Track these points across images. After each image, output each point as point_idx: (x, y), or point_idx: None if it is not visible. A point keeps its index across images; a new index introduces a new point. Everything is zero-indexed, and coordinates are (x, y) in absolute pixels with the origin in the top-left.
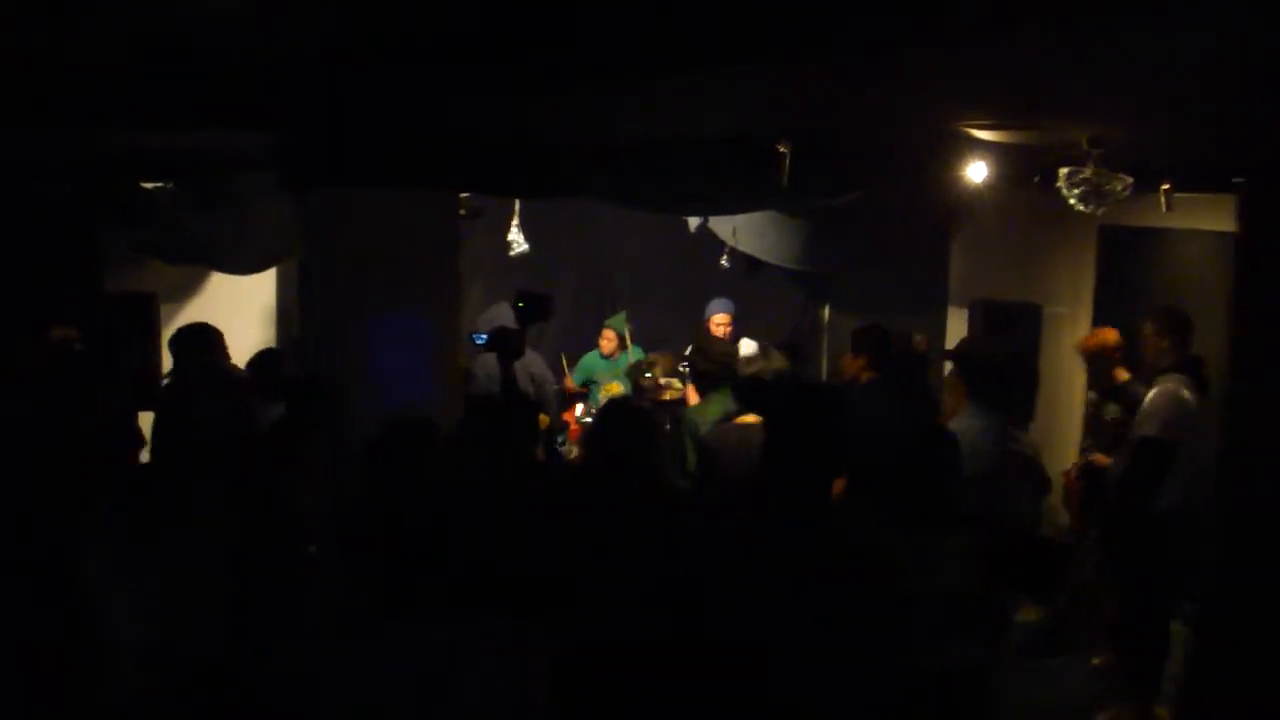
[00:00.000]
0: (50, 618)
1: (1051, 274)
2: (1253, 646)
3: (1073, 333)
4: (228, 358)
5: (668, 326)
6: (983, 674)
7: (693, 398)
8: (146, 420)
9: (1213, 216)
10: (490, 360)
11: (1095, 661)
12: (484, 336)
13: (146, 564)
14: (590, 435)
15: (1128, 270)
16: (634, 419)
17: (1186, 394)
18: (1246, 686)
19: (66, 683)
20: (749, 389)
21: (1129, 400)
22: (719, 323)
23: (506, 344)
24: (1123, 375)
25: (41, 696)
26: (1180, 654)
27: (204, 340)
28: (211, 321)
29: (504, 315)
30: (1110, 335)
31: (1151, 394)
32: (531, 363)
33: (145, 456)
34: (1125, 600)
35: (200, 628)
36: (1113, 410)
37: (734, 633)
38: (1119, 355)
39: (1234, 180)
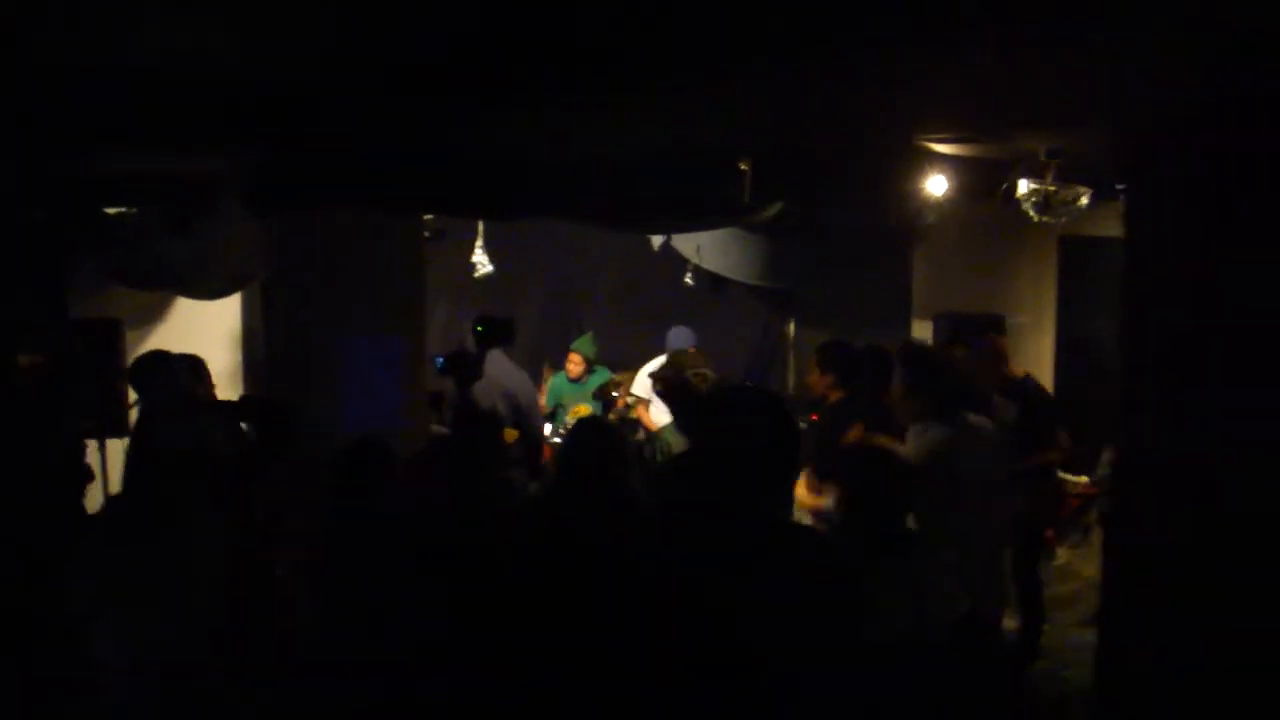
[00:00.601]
0: (34, 640)
1: (1014, 284)
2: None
3: (1037, 341)
4: (199, 382)
5: (632, 346)
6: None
7: (648, 419)
8: (114, 446)
9: None
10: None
11: None
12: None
13: (127, 584)
14: (561, 453)
15: (1089, 279)
16: (604, 436)
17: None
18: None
19: (55, 702)
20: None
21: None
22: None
23: (462, 368)
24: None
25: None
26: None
27: (164, 365)
28: (178, 346)
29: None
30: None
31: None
32: (509, 380)
33: (99, 487)
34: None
35: (179, 646)
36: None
37: (704, 647)
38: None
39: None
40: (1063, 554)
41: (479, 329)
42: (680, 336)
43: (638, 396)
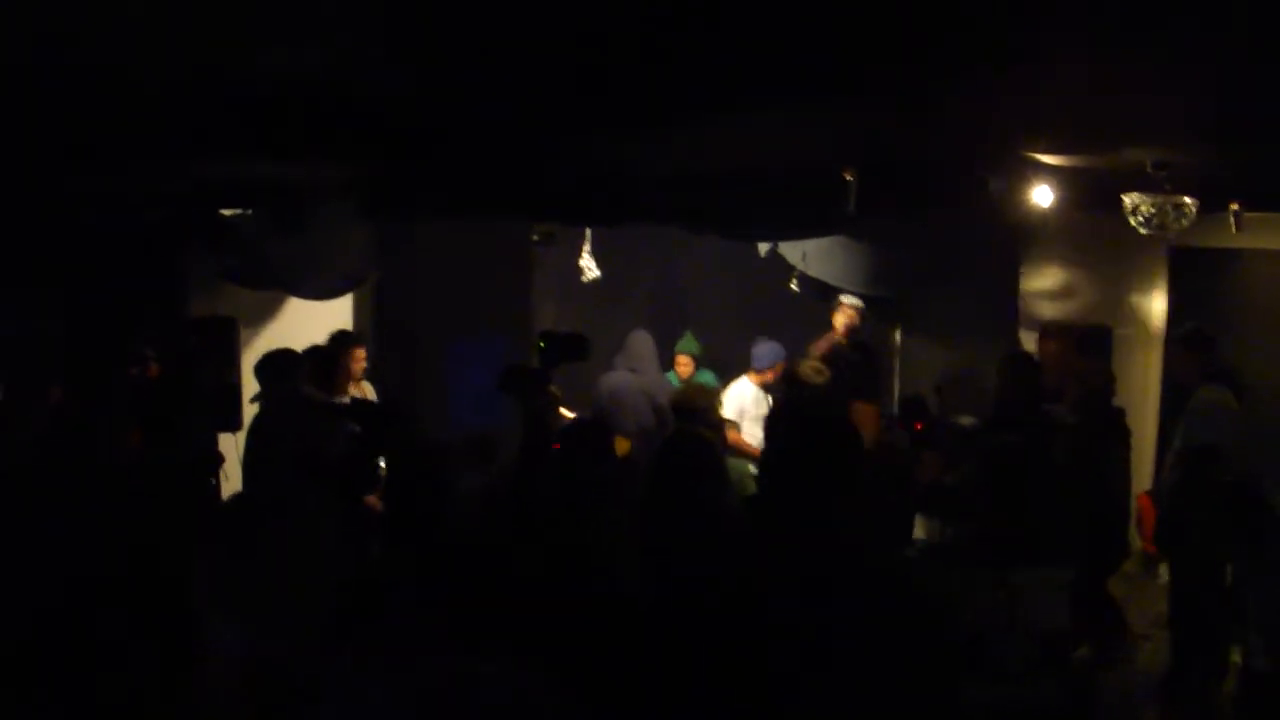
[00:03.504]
0: (157, 633)
1: (1122, 296)
2: None
3: (1145, 354)
4: (322, 379)
5: (738, 351)
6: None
7: (739, 440)
8: (227, 441)
9: None
10: (616, 377)
11: None
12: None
13: (245, 581)
14: (653, 469)
15: (1199, 291)
16: (696, 451)
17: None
18: None
19: (175, 695)
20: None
21: None
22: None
23: (519, 383)
24: None
25: (150, 708)
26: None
27: (290, 366)
28: (290, 345)
29: (639, 342)
30: None
31: (1190, 405)
32: (653, 385)
33: (225, 474)
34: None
35: (294, 641)
36: None
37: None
38: None
39: None
40: None
41: (542, 345)
42: (767, 351)
43: (728, 419)
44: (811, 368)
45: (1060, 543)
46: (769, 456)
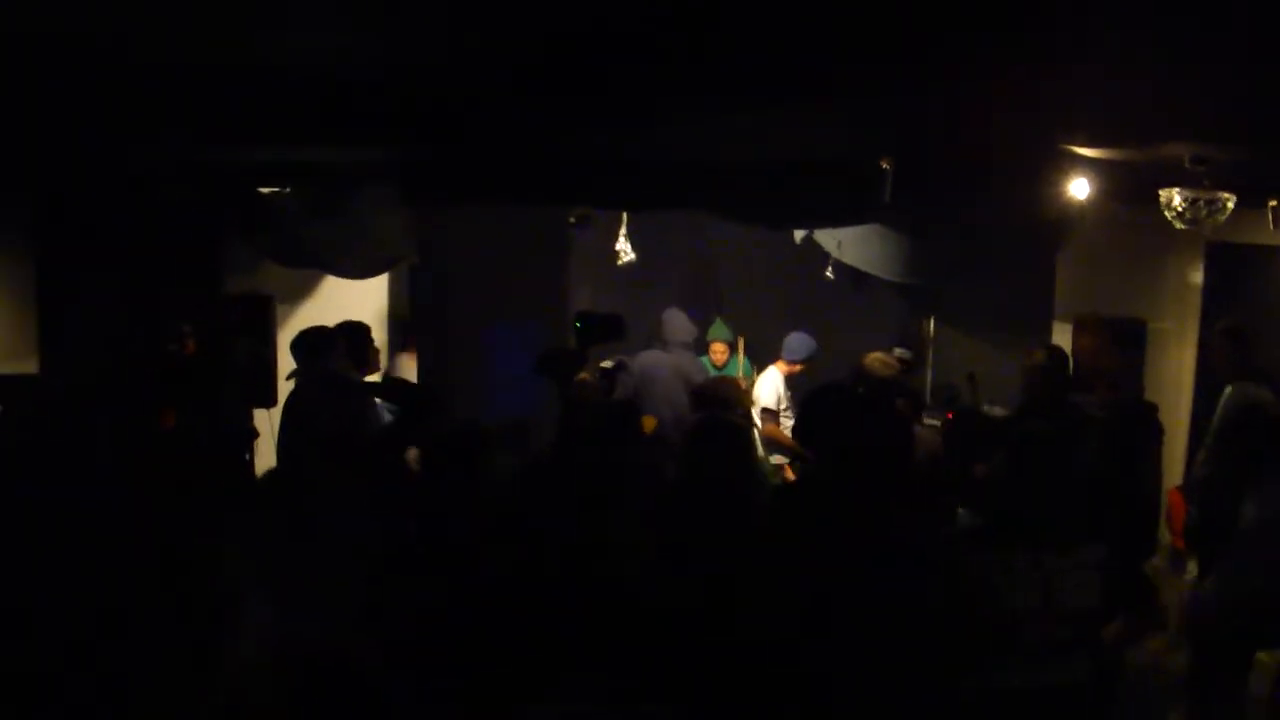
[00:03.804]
0: (192, 610)
1: (1158, 290)
2: None
3: (1179, 349)
4: (356, 358)
5: (771, 338)
6: (1083, 692)
7: (774, 430)
8: (261, 416)
9: None
10: (647, 356)
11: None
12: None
13: (281, 560)
14: (683, 455)
15: (1236, 286)
16: (726, 438)
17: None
18: None
19: (209, 673)
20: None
21: None
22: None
23: (555, 366)
24: None
25: (185, 686)
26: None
27: (325, 343)
28: (324, 323)
29: (675, 319)
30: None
31: (1223, 400)
32: (690, 368)
33: (260, 450)
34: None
35: (330, 622)
36: None
37: (815, 648)
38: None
39: None
40: None
41: (578, 325)
42: (799, 343)
43: (767, 409)
44: (880, 360)
45: (1090, 525)
46: (825, 444)
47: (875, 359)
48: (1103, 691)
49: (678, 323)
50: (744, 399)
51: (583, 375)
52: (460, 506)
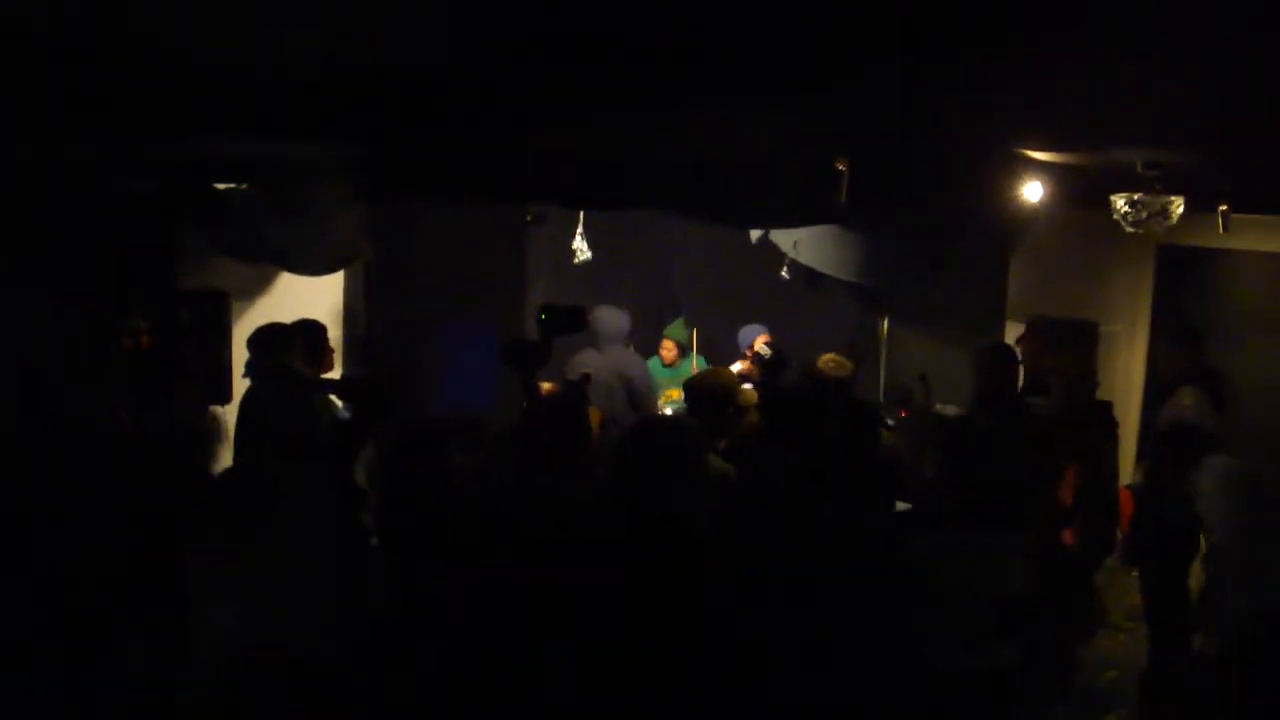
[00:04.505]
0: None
1: (1109, 292)
2: None
3: (1129, 351)
4: (311, 356)
5: (727, 337)
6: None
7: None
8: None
9: (1271, 238)
10: (583, 356)
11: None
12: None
13: (238, 559)
14: (616, 455)
15: (1184, 290)
16: (658, 441)
17: (1198, 403)
18: None
19: (169, 673)
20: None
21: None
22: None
23: (519, 357)
24: None
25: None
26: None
27: (282, 340)
28: (282, 320)
29: (607, 316)
30: None
31: (1168, 403)
32: (626, 365)
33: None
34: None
35: (287, 621)
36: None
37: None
38: None
39: None
40: None
41: (542, 317)
42: (752, 334)
43: None
44: (833, 361)
45: (1018, 513)
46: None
47: (828, 360)
48: (1033, 677)
49: (610, 319)
50: (739, 393)
51: (548, 387)
52: (423, 503)
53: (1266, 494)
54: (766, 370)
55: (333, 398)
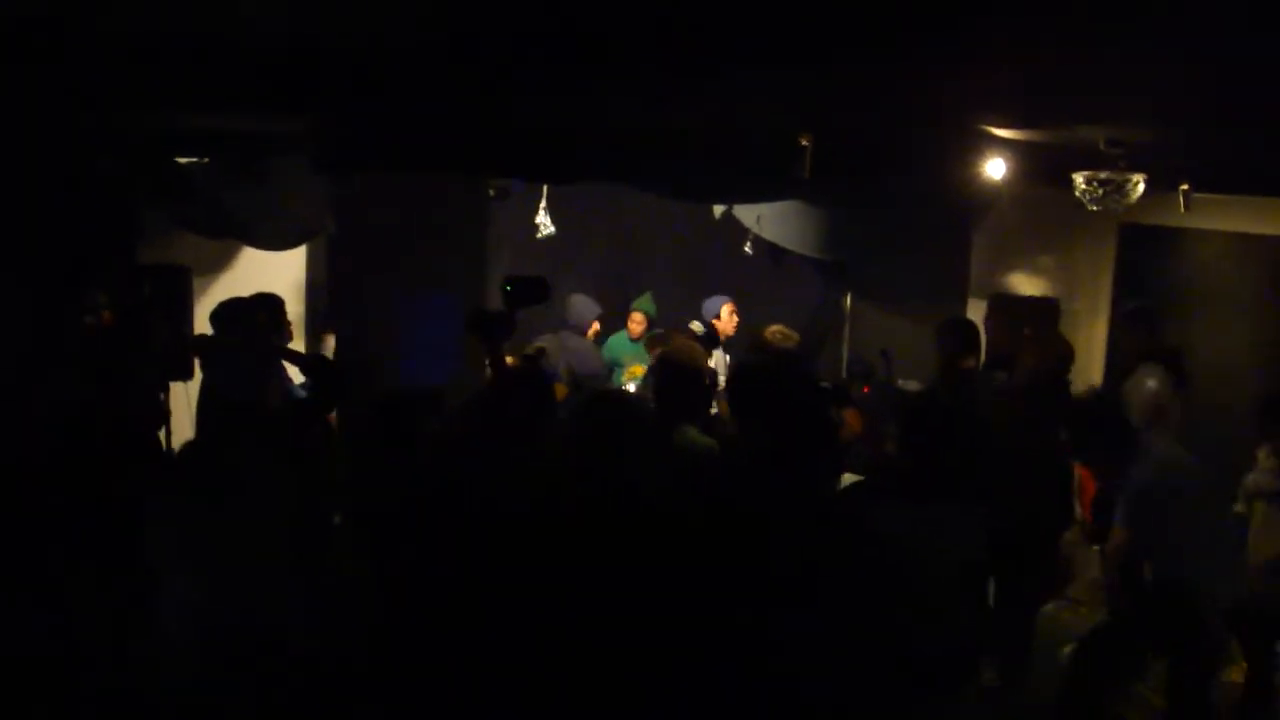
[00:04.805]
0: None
1: (1070, 270)
2: None
3: (1090, 329)
4: (276, 325)
5: (690, 313)
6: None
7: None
8: (178, 390)
9: (1230, 217)
10: (561, 338)
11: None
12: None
13: (200, 534)
14: (569, 427)
15: (1145, 268)
16: (610, 415)
17: (1158, 382)
18: None
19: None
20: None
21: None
22: (730, 312)
23: (484, 326)
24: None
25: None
26: None
27: (244, 315)
28: (242, 294)
29: (580, 303)
30: None
31: (1128, 383)
32: (572, 340)
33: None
34: None
35: (240, 599)
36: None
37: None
38: None
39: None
40: None
41: (507, 288)
42: (715, 304)
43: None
44: (779, 332)
45: (976, 483)
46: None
47: (775, 331)
48: (982, 648)
49: (581, 306)
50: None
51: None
52: (394, 476)
53: (1194, 482)
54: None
55: (291, 373)
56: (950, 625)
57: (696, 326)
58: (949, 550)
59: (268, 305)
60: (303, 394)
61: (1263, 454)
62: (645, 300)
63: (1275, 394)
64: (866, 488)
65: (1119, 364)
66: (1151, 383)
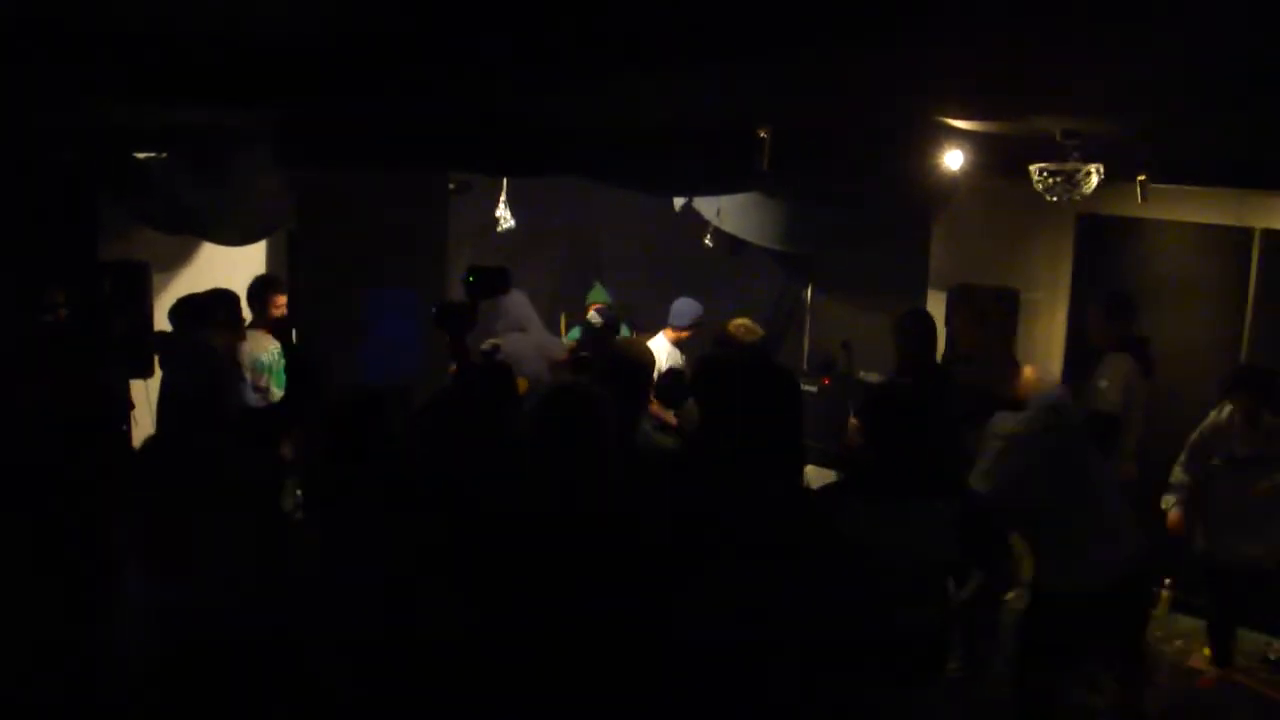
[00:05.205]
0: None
1: (1030, 260)
2: None
3: (1050, 318)
4: (235, 327)
5: (651, 305)
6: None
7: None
8: (138, 386)
9: (1187, 208)
10: (511, 340)
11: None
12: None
13: (162, 530)
14: (531, 420)
15: (1104, 258)
16: (575, 406)
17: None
18: None
19: (88, 643)
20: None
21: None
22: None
23: (450, 319)
24: None
25: (63, 658)
26: None
27: (204, 311)
28: (201, 291)
29: (519, 303)
30: None
31: (1099, 371)
32: (540, 333)
33: (135, 420)
34: None
35: (204, 595)
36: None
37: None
38: None
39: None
40: None
41: (470, 279)
42: (686, 308)
43: None
44: (744, 326)
45: (947, 479)
46: (706, 406)
47: (739, 325)
48: (949, 640)
49: (524, 304)
50: (652, 366)
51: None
52: (363, 471)
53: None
54: (595, 336)
55: (247, 373)
56: (919, 618)
57: (594, 316)
58: (915, 545)
59: (225, 301)
60: (254, 396)
61: (1223, 412)
62: (598, 291)
63: (1244, 365)
64: (837, 485)
65: (1090, 351)
66: (1124, 370)
